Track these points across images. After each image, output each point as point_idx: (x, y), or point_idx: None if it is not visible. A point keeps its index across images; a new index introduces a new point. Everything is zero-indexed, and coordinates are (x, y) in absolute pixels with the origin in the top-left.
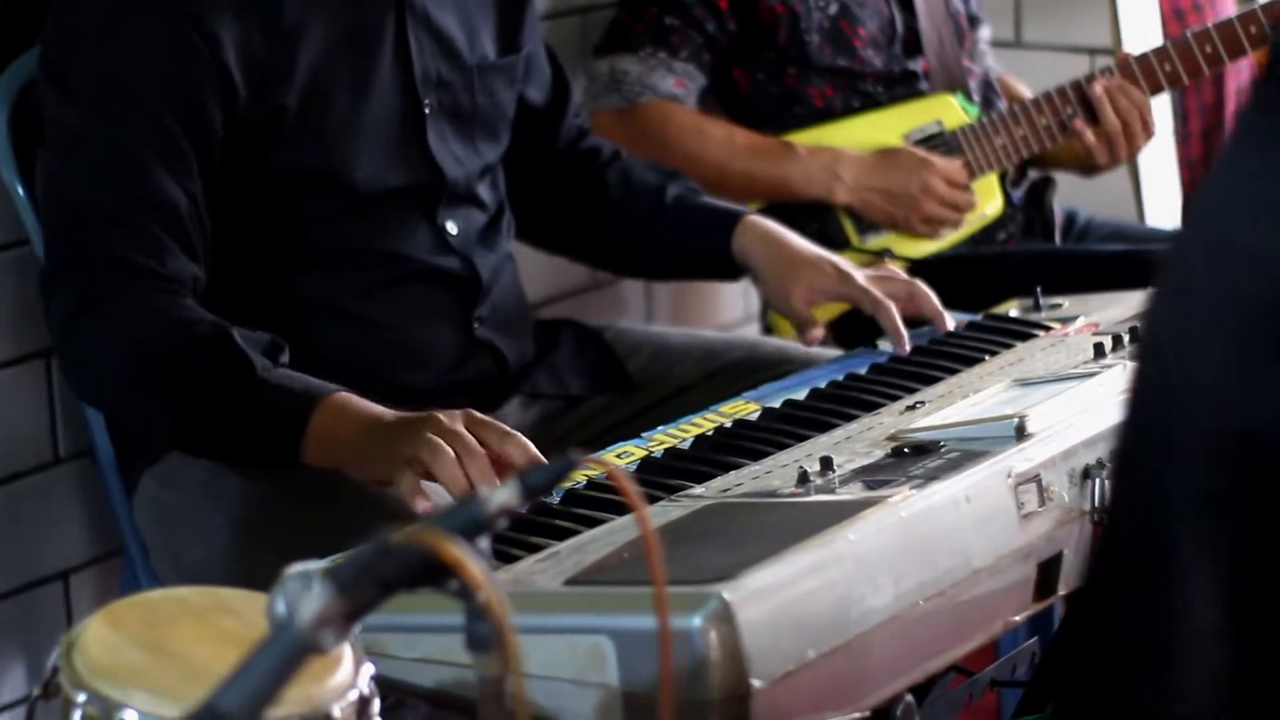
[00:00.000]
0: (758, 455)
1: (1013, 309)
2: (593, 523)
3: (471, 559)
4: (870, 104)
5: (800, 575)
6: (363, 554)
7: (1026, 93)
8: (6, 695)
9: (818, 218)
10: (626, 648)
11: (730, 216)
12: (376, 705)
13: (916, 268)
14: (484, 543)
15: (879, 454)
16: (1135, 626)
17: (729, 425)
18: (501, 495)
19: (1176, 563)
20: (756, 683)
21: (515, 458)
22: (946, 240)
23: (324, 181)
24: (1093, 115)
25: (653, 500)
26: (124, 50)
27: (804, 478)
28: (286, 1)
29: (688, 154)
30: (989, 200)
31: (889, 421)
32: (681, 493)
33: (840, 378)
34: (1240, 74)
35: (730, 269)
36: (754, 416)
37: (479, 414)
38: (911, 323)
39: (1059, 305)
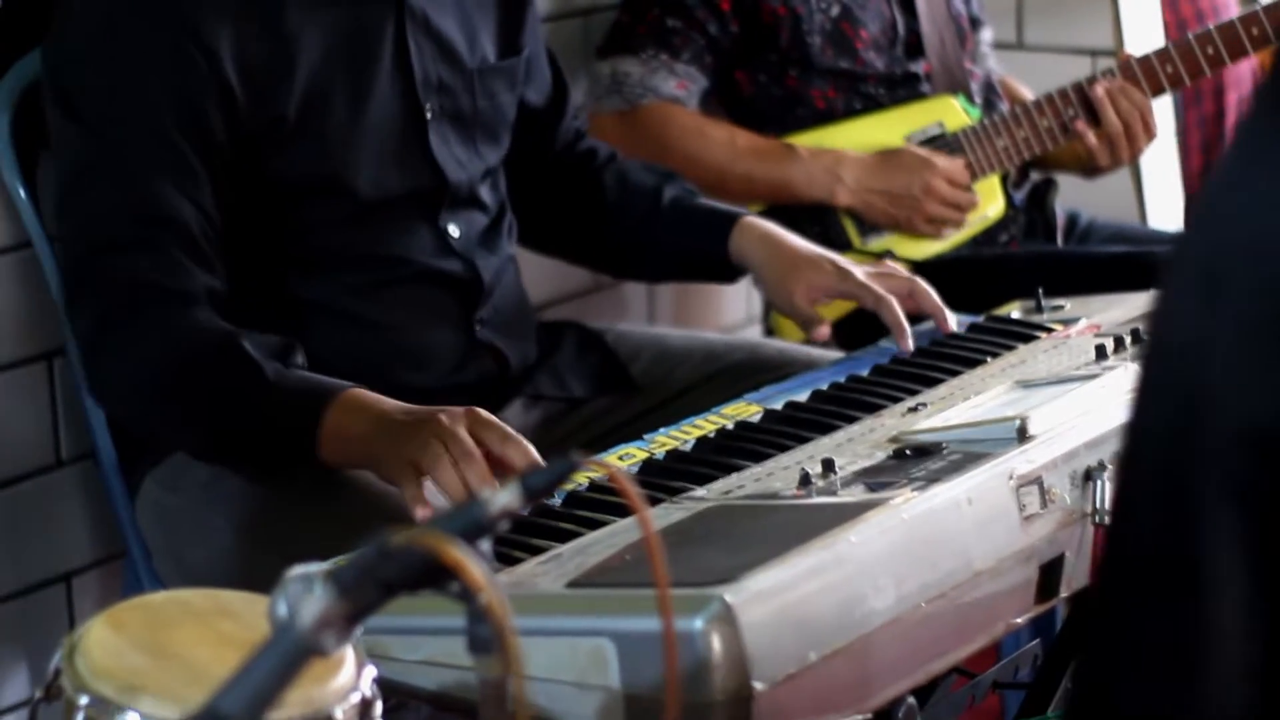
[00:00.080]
0: (759, 457)
1: (1014, 311)
2: (594, 525)
3: (473, 561)
4: (872, 106)
5: (802, 577)
6: (364, 556)
7: (1028, 94)
8: (9, 698)
9: (819, 220)
10: (628, 650)
11: (727, 218)
12: (378, 707)
13: (918, 269)
14: (485, 545)
15: (881, 456)
16: (1158, 631)
17: (731, 427)
18: (503, 497)
19: (1202, 565)
20: (758, 685)
21: (515, 461)
22: (948, 242)
23: (325, 187)
24: (1094, 117)
25: (654, 502)
26: (124, 63)
27: (806, 479)
28: (286, 8)
29: (689, 156)
30: (991, 202)
31: (891, 423)
32: (683, 495)
33: (842, 379)
34: (1241, 85)
35: (728, 270)
36: (756, 418)
37: (483, 413)
38: (912, 319)
39: (1061, 307)
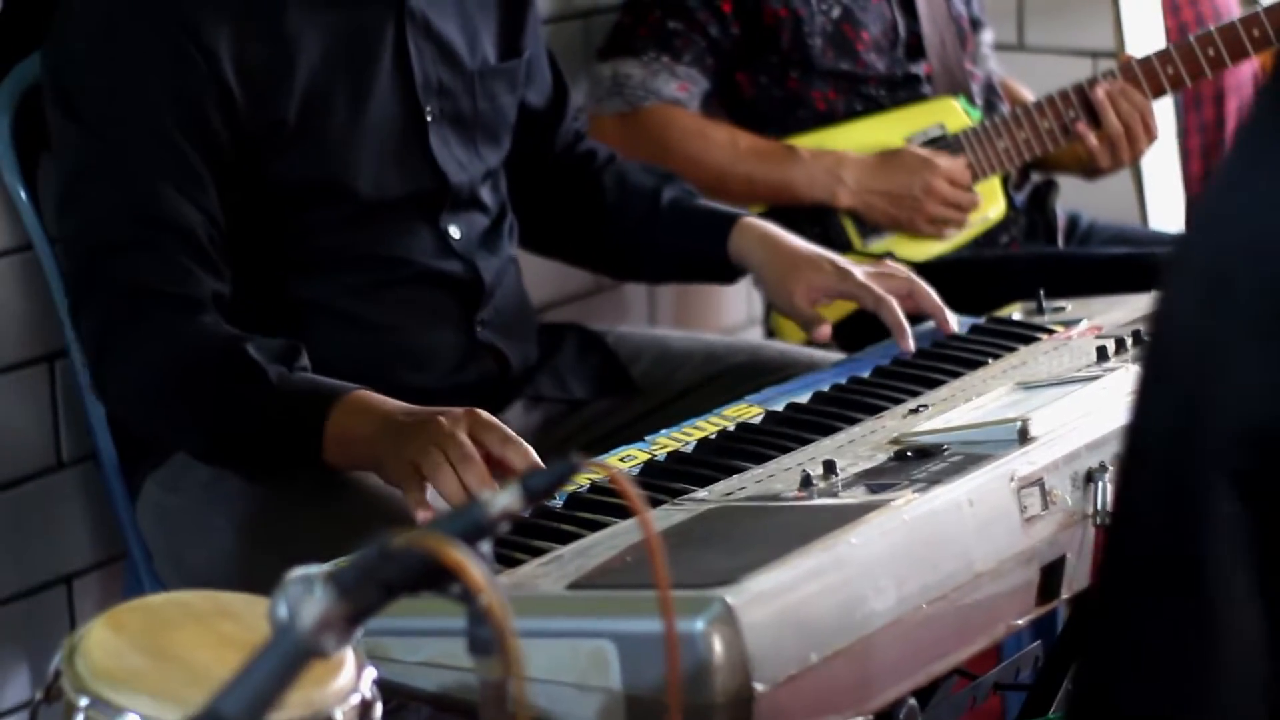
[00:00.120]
0: (760, 459)
1: (1016, 312)
2: (595, 526)
3: (473, 563)
4: (873, 107)
5: (803, 579)
6: (365, 557)
7: (1029, 96)
8: (9, 699)
9: (820, 221)
10: (629, 651)
11: (726, 218)
12: (379, 709)
13: (919, 271)
14: (486, 546)
15: (882, 457)
16: (1160, 631)
17: (732, 429)
18: (503, 499)
19: (1204, 565)
20: (759, 686)
21: (515, 463)
22: (949, 243)
23: (325, 189)
24: (1095, 118)
25: (655, 504)
26: (124, 63)
27: (807, 481)
28: (286, 10)
29: (690, 158)
30: (992, 203)
31: (892, 425)
32: (684, 496)
33: (843, 381)
34: (1242, 90)
35: (727, 271)
36: (757, 420)
37: (483, 415)
38: (913, 320)
39: (1062, 308)
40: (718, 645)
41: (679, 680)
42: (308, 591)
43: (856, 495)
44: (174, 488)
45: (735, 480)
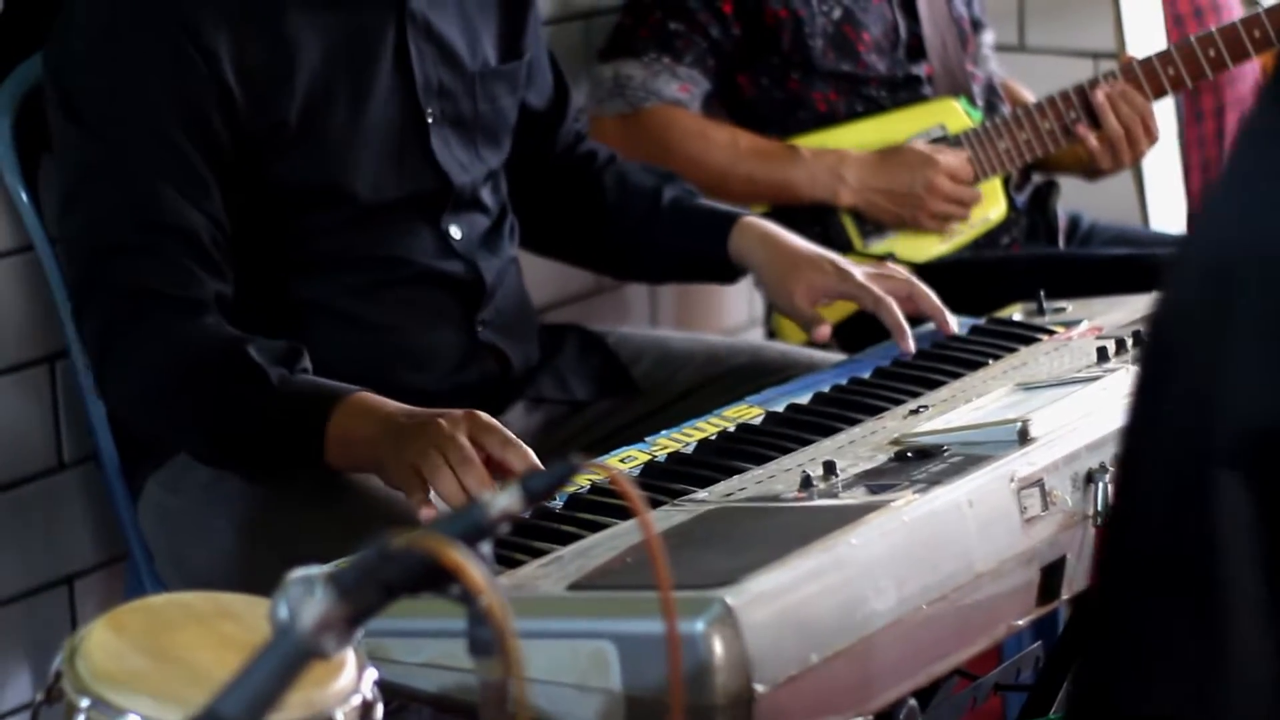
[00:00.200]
0: (761, 459)
1: (1016, 313)
2: (596, 527)
3: (473, 564)
4: (874, 108)
5: (803, 579)
6: (365, 558)
7: (1030, 97)
8: (11, 700)
9: (820, 221)
10: (629, 652)
11: (727, 218)
12: (379, 710)
13: (920, 272)
14: (486, 547)
15: (882, 458)
16: (1164, 630)
17: (732, 429)
18: (503, 500)
19: (1209, 564)
20: (760, 687)
21: (514, 465)
22: (950, 244)
23: (326, 191)
24: (1096, 120)
25: (656, 505)
26: (125, 65)
27: (807, 482)
28: (286, 12)
29: (691, 158)
30: (993, 204)
31: (892, 425)
32: (684, 497)
33: (844, 382)
34: (1243, 104)
35: (728, 271)
36: (757, 420)
37: (483, 417)
38: (913, 321)
39: (1062, 309)
40: (718, 646)
41: (681, 681)
42: (308, 592)
43: (857, 496)
44: (175, 488)
45: (735, 481)
